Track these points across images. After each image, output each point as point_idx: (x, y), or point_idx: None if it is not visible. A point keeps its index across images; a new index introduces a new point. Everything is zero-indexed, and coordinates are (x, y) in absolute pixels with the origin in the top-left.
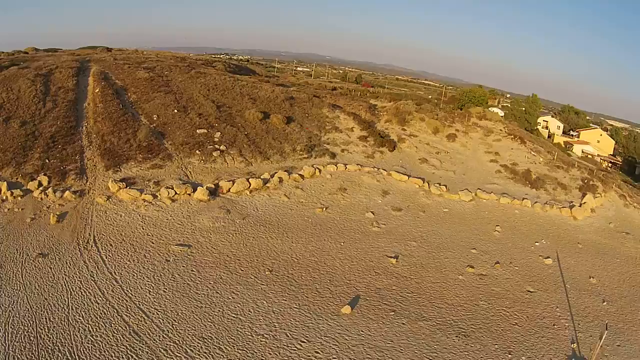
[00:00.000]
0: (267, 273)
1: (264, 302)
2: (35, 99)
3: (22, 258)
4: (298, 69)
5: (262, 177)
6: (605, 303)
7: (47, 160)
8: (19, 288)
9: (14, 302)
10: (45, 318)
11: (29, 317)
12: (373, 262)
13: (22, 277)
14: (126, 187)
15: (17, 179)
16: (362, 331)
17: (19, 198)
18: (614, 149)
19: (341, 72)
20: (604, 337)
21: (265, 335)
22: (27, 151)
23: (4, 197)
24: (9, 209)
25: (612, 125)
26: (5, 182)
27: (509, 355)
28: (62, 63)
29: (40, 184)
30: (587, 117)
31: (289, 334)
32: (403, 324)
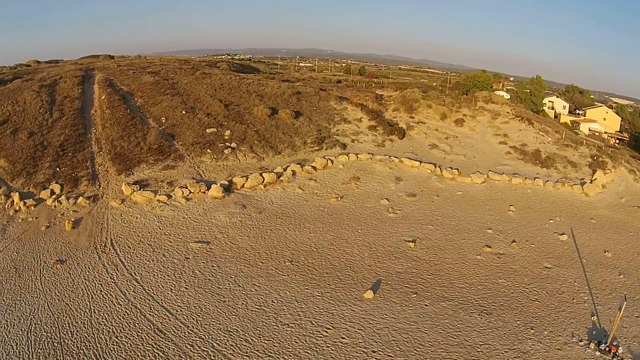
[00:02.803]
0: (287, 264)
1: (287, 292)
2: (42, 109)
3: (40, 266)
4: (301, 64)
5: (275, 171)
6: (621, 276)
7: (58, 169)
8: (38, 295)
9: (34, 309)
10: (68, 323)
11: (51, 323)
12: (391, 247)
13: (41, 284)
14: (140, 190)
15: (29, 189)
16: (386, 314)
17: (32, 207)
18: (621, 125)
19: (343, 65)
20: (623, 308)
21: (290, 325)
22: (37, 161)
23: (17, 208)
24: (22, 219)
25: (616, 102)
26: (17, 193)
27: (531, 331)
28: (65, 73)
29: (52, 192)
30: (592, 96)
31: (314, 322)
32: (426, 305)
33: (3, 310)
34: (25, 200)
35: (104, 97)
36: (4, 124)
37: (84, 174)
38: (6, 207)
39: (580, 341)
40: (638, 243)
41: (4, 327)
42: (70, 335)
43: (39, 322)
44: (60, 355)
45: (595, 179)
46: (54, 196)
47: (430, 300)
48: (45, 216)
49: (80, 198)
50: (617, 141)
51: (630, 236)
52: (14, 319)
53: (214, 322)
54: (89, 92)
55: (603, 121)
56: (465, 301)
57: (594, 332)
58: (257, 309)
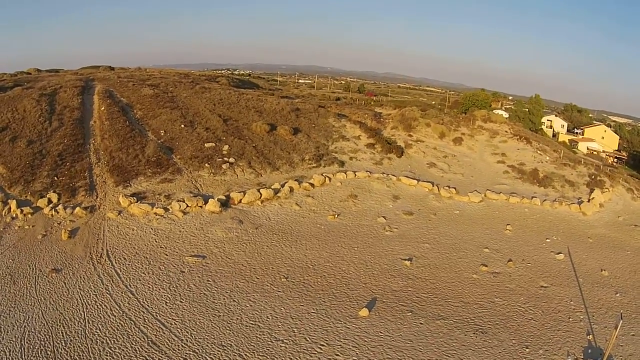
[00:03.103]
0: (283, 280)
1: (282, 308)
2: (41, 118)
3: (35, 274)
4: (300, 81)
5: (272, 187)
6: (618, 294)
7: (55, 178)
8: (33, 303)
9: (29, 317)
10: (62, 332)
11: (45, 331)
12: (387, 265)
13: (36, 292)
14: (137, 202)
15: (26, 196)
16: (381, 332)
17: (29, 215)
18: (619, 144)
19: (343, 82)
20: (619, 326)
21: (284, 341)
22: (35, 169)
23: (14, 215)
24: (19, 227)
25: (615, 121)
26: (14, 200)
27: (527, 350)
28: (66, 82)
29: (50, 201)
30: (590, 115)
31: (308, 339)
32: (421, 323)
33: None
34: (23, 208)
35: (103, 108)
36: (3, 131)
37: (82, 184)
38: (3, 214)
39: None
40: (635, 262)
41: None
42: (63, 344)
43: (32, 330)
44: None
45: (592, 197)
46: (51, 205)
47: (426, 318)
48: (41, 225)
49: (78, 208)
50: (616, 160)
51: (627, 255)
52: (8, 326)
53: (208, 336)
54: (88, 103)
55: (601, 140)
56: (460, 320)
57: (590, 351)
58: (252, 324)
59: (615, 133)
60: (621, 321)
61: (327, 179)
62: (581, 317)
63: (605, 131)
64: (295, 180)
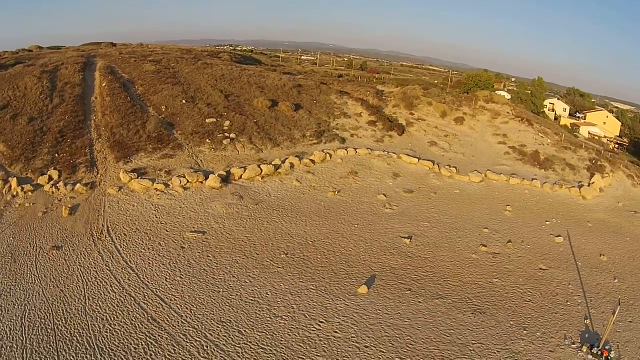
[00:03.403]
0: (282, 256)
1: (281, 284)
2: (42, 95)
3: (36, 251)
4: (302, 57)
5: (273, 163)
6: (616, 280)
7: (56, 155)
8: (33, 281)
9: (29, 295)
10: (62, 309)
11: (45, 309)
12: (387, 243)
13: (36, 270)
14: (137, 178)
15: (27, 174)
16: (380, 310)
17: (30, 193)
18: (620, 130)
19: (345, 59)
20: (616, 312)
21: (283, 317)
22: (35, 147)
23: (15, 193)
24: (19, 204)
25: (617, 107)
26: (15, 178)
27: (524, 331)
28: (67, 59)
29: (50, 178)
30: (593, 100)
31: (307, 315)
32: (419, 302)
33: None
34: (23, 186)
35: (104, 84)
36: (4, 108)
37: (82, 160)
38: (4, 192)
39: (573, 344)
40: (634, 248)
41: None
42: (64, 321)
43: (33, 308)
44: (53, 342)
45: (593, 182)
46: (51, 182)
47: (424, 297)
48: (42, 202)
49: (78, 185)
50: (617, 146)
51: (626, 241)
52: (9, 304)
53: (207, 312)
54: (89, 79)
55: (603, 125)
56: (459, 299)
57: (587, 335)
58: (251, 300)
59: (617, 119)
60: (619, 307)
61: (327, 155)
62: (579, 301)
63: (607, 116)
64: (296, 156)
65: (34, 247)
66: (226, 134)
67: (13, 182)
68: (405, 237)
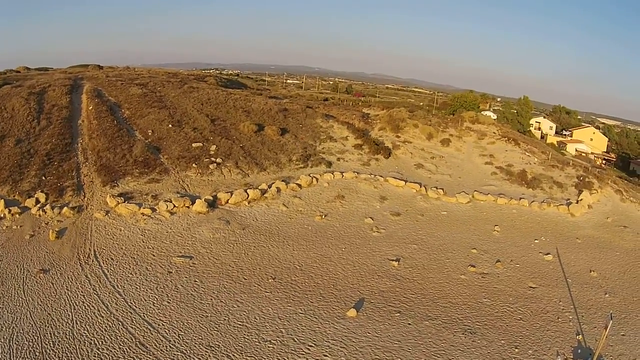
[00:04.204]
0: (270, 281)
1: (269, 308)
2: (30, 117)
3: (23, 274)
4: (288, 81)
5: (259, 187)
6: (607, 295)
7: (43, 178)
8: (21, 304)
9: (17, 318)
10: (50, 333)
11: (33, 332)
12: (375, 266)
13: (24, 293)
14: (124, 202)
15: (14, 196)
16: (369, 333)
17: (17, 215)
18: (607, 146)
19: (331, 83)
20: (609, 326)
21: (272, 342)
22: (23, 169)
23: (2, 215)
24: (7, 227)
25: (603, 123)
26: (2, 200)
27: (516, 350)
28: (55, 81)
29: (37, 201)
30: (579, 117)
31: (296, 339)
32: (409, 324)
33: None
34: (10, 208)
35: (91, 107)
36: None
37: (70, 184)
38: None
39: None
40: (624, 262)
41: None
42: (52, 345)
43: (21, 331)
44: None
45: (581, 199)
46: (38, 205)
47: (414, 319)
48: (29, 225)
49: (65, 208)
50: (604, 162)
51: (616, 255)
52: None
53: (196, 337)
54: (77, 102)
55: (590, 142)
56: (449, 320)
57: (579, 351)
58: (240, 325)
59: (604, 135)
60: (611, 321)
61: (314, 179)
62: (570, 317)
63: (594, 133)
64: (283, 180)
65: (21, 270)
66: (213, 159)
67: (0, 204)
68: (393, 260)
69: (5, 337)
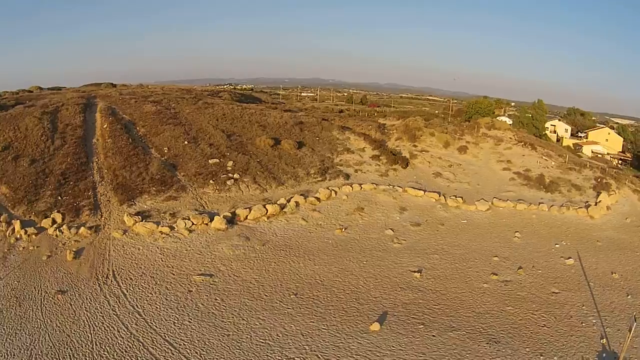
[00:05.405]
0: (292, 296)
1: (292, 325)
2: (44, 136)
3: (41, 296)
4: (302, 94)
5: (278, 202)
6: (629, 296)
7: (59, 197)
8: (39, 326)
9: (35, 340)
10: (69, 355)
11: (52, 354)
12: (397, 278)
13: (42, 314)
14: (142, 221)
15: (30, 217)
16: (393, 346)
17: (34, 236)
18: (623, 145)
19: (345, 94)
20: (633, 328)
21: (295, 359)
22: (38, 189)
23: (18, 236)
24: (23, 247)
25: (617, 122)
26: (18, 221)
27: (541, 357)
28: (68, 100)
29: (54, 221)
30: (593, 118)
31: (320, 356)
32: (433, 336)
33: (3, 340)
34: (27, 229)
35: (105, 125)
36: (6, 150)
37: (86, 203)
38: (7, 234)
39: None
40: None
41: (4, 357)
42: None
43: (39, 353)
44: None
45: (599, 201)
46: (55, 225)
47: (438, 330)
48: (46, 245)
49: (82, 228)
50: (620, 162)
51: (636, 256)
52: (14, 349)
53: (217, 356)
54: (90, 121)
55: (605, 142)
56: (473, 330)
57: (604, 355)
58: (262, 342)
59: (619, 135)
60: (635, 323)
61: (333, 192)
62: (594, 321)
63: (609, 133)
64: (301, 194)
65: (39, 291)
66: (230, 175)
67: (16, 224)
68: (415, 271)
69: (23, 359)
